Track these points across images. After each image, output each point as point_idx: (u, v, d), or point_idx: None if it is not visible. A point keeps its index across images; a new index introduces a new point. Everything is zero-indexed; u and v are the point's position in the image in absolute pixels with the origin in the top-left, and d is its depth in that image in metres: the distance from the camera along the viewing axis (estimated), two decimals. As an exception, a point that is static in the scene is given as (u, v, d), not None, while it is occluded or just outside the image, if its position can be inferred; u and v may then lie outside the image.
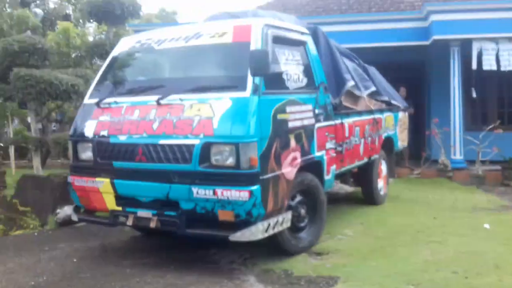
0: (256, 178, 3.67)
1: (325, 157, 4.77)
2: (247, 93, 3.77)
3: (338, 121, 5.16)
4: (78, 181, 4.33)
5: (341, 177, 6.06)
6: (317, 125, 4.62)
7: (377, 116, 6.35)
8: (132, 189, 4.03)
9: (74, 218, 4.49)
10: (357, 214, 6.06)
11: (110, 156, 4.13)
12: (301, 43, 4.73)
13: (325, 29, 5.63)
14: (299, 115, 4.31)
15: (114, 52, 4.84)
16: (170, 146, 3.83)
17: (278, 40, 4.30)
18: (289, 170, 4.08)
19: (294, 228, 4.38)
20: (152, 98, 4.06)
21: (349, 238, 5.01)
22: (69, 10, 16.54)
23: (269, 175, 3.81)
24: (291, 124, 4.15)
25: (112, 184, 4.09)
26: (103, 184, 4.14)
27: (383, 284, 3.66)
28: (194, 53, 4.34)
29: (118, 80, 4.59)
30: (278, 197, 3.93)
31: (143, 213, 3.99)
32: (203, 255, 4.46)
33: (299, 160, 4.24)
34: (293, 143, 4.17)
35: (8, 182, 8.43)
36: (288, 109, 4.14)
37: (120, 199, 4.12)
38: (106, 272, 4.07)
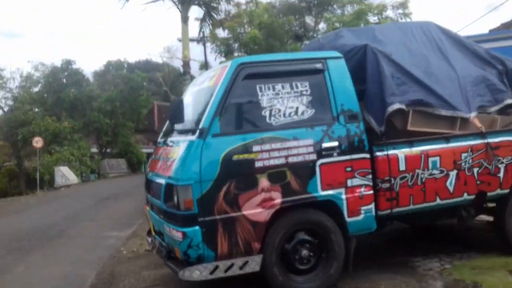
0: (192, 220, 3.77)
1: (343, 196, 4.17)
2: (194, 137, 3.92)
3: (380, 153, 4.35)
4: (145, 209, 5.37)
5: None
6: (322, 160, 4.12)
7: (495, 140, 4.74)
8: (152, 218, 4.76)
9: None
10: None
11: (147, 189, 4.99)
12: (315, 71, 4.31)
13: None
14: (280, 152, 4.00)
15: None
16: (157, 184, 4.38)
17: (260, 76, 4.15)
18: (257, 212, 3.91)
19: (295, 269, 4.11)
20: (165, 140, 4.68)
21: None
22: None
23: (216, 217, 3.81)
24: (260, 164, 3.94)
25: (149, 213, 4.94)
26: (148, 212, 5.04)
27: None
28: (194, 97, 4.71)
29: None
30: (236, 239, 3.86)
31: (156, 240, 4.66)
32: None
33: (278, 201, 3.97)
34: (264, 183, 3.94)
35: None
36: (257, 148, 3.95)
37: (154, 226, 4.90)
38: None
